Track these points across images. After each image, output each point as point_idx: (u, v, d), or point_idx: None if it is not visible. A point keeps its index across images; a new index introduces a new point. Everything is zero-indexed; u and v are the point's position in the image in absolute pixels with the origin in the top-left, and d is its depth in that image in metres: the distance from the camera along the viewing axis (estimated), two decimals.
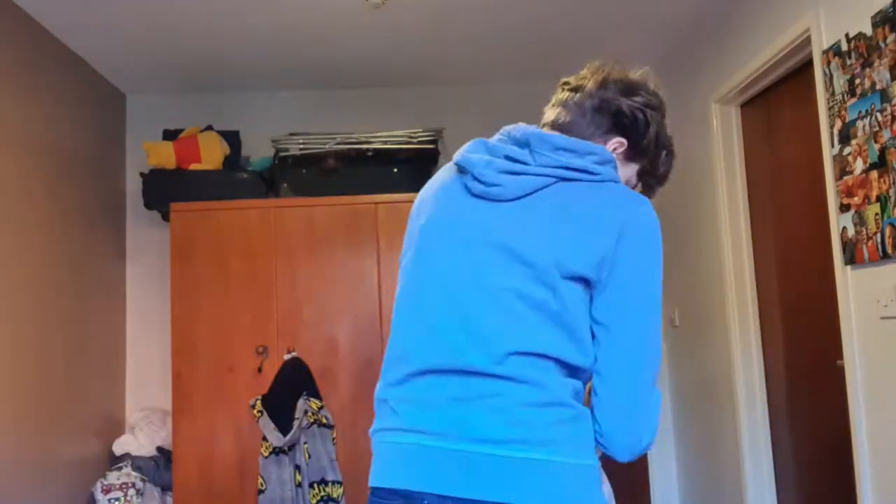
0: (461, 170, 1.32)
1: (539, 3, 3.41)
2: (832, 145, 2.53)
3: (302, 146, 3.84)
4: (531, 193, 1.24)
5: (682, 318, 4.03)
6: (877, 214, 2.29)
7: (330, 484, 3.33)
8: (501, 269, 1.21)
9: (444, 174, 1.37)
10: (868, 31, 2.32)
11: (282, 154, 3.87)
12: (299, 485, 3.30)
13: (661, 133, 1.40)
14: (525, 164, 1.25)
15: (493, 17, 3.53)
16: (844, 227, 2.47)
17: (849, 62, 2.42)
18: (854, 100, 2.40)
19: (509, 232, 1.22)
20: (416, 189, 3.82)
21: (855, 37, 2.38)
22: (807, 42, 2.71)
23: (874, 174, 2.30)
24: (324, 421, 3.38)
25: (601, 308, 1.22)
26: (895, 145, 2.21)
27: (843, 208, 2.47)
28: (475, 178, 1.27)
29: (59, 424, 3.41)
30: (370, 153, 3.85)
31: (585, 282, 1.21)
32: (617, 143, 1.35)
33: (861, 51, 2.35)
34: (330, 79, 4.26)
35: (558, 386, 1.19)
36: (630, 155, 1.37)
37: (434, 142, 3.88)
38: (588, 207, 1.21)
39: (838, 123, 2.49)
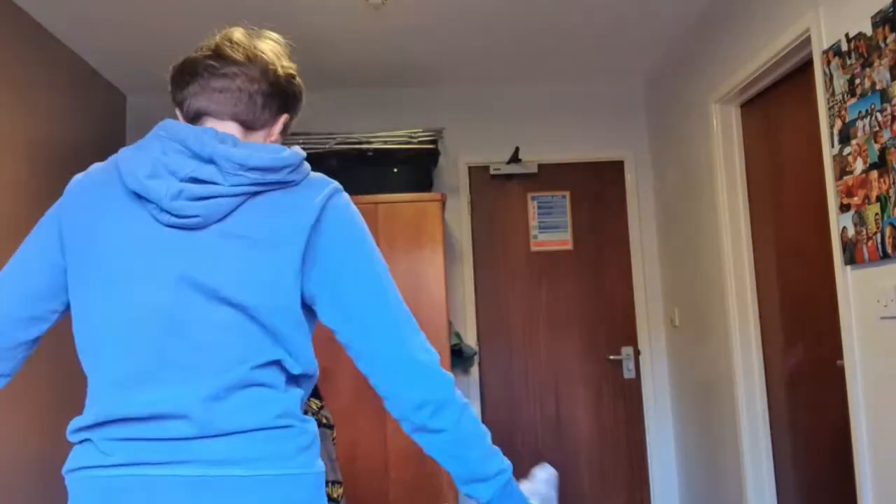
0: (138, 196, 1.16)
1: (539, 4, 3.41)
2: (832, 145, 2.53)
3: (302, 146, 3.84)
4: (225, 217, 1.14)
5: (682, 318, 4.03)
6: (877, 214, 2.29)
7: (330, 484, 3.32)
8: (206, 309, 1.14)
9: (107, 185, 1.20)
10: (868, 31, 2.31)
11: None
12: None
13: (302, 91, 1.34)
14: (216, 184, 1.13)
15: (493, 17, 3.53)
16: (844, 227, 2.47)
17: (849, 62, 2.42)
18: (854, 100, 2.40)
19: (207, 269, 1.13)
20: (416, 189, 3.82)
21: (855, 37, 2.38)
22: (807, 42, 2.71)
23: (874, 174, 2.30)
24: (324, 421, 3.37)
25: (335, 309, 1.20)
26: (895, 145, 2.21)
27: (843, 208, 2.47)
28: (164, 211, 1.13)
29: (59, 424, 3.41)
30: (370, 153, 3.85)
31: (304, 305, 1.20)
32: (285, 120, 1.30)
33: (861, 51, 2.35)
34: (330, 79, 4.26)
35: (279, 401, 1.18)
36: (284, 126, 1.32)
37: (434, 142, 3.88)
38: (279, 219, 1.15)
39: (838, 123, 2.49)
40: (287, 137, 3.86)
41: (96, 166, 1.26)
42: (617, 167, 4.49)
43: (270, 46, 1.28)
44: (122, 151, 1.20)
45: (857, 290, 2.45)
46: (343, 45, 3.79)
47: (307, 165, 1.22)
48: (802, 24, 2.68)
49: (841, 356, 2.64)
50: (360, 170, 3.87)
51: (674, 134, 4.04)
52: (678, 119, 3.96)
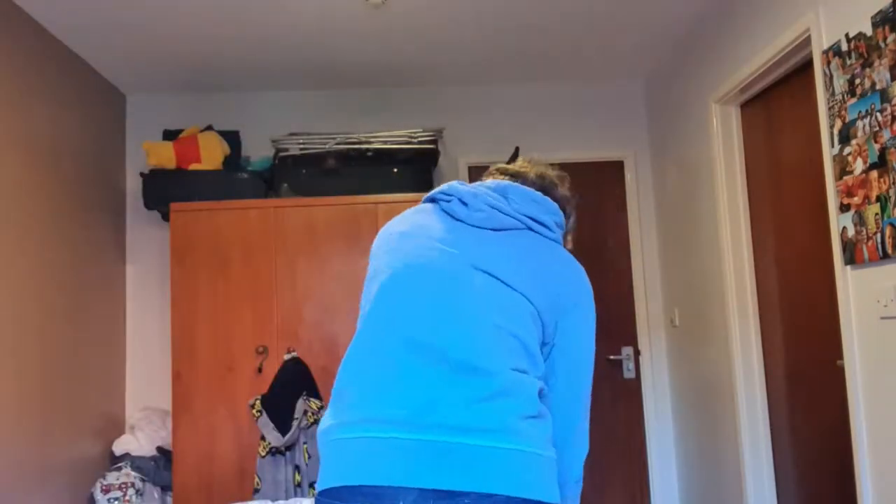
0: (441, 199, 1.48)
1: (539, 4, 3.41)
2: (832, 145, 2.53)
3: (302, 146, 3.84)
4: (507, 230, 1.42)
5: (682, 318, 4.03)
6: (877, 214, 2.29)
7: None
8: (486, 291, 1.36)
9: (415, 213, 1.51)
10: (868, 31, 2.31)
11: (282, 154, 3.87)
12: (299, 485, 3.30)
13: (575, 223, 1.67)
14: (502, 207, 1.43)
15: (493, 17, 3.53)
16: (844, 227, 2.47)
17: (849, 62, 2.42)
18: (854, 100, 2.40)
19: (492, 257, 1.38)
20: (416, 189, 3.82)
21: (855, 37, 2.38)
22: (807, 42, 2.71)
23: (874, 174, 2.30)
24: None
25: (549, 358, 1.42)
26: (895, 145, 2.21)
27: (843, 208, 2.47)
28: (461, 201, 1.44)
29: (59, 424, 3.41)
30: (370, 153, 3.85)
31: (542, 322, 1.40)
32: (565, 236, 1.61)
33: (861, 51, 2.35)
34: (330, 79, 4.26)
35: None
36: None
37: (434, 142, 3.88)
38: (551, 258, 1.42)
39: (838, 123, 2.49)
40: (287, 137, 3.87)
41: None
42: (617, 167, 4.49)
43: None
44: None
45: (857, 290, 2.45)
46: (343, 45, 3.79)
47: (563, 230, 1.57)
48: (802, 24, 2.68)
49: (841, 356, 2.64)
50: (360, 170, 3.87)
51: (674, 134, 4.04)
52: (678, 119, 3.96)
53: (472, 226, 1.42)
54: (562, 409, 1.40)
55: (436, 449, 1.15)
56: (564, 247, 1.60)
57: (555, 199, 1.56)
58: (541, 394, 1.31)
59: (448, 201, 1.46)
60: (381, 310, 1.32)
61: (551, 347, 1.40)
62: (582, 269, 1.48)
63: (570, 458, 1.41)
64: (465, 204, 1.43)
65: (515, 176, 1.56)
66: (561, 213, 1.50)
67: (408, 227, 1.45)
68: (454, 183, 1.50)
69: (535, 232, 1.44)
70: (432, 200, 1.52)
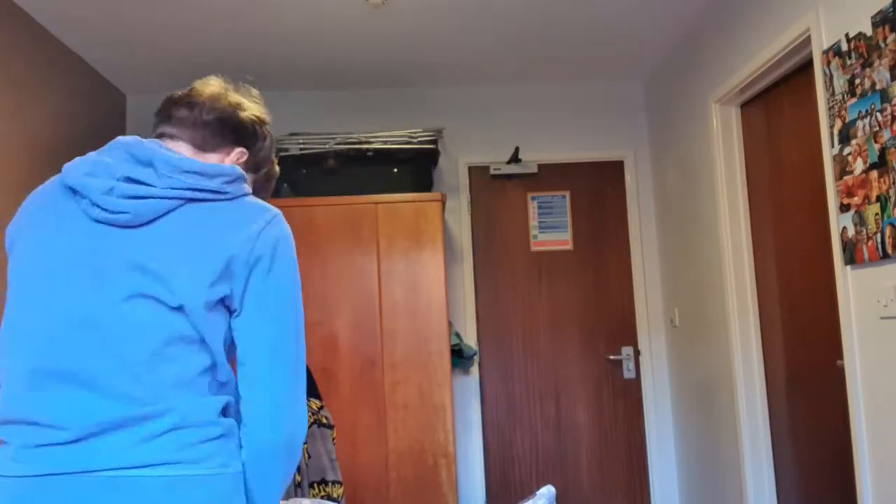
0: (75, 192, 1.24)
1: (539, 4, 3.41)
2: (832, 145, 2.53)
3: (302, 146, 3.84)
4: (160, 217, 1.21)
5: (682, 318, 4.03)
6: (877, 214, 2.29)
7: (330, 484, 3.33)
8: (143, 295, 1.19)
9: (47, 194, 1.28)
10: (868, 31, 2.31)
11: (282, 154, 3.87)
12: (299, 485, 3.29)
13: (272, 144, 1.49)
14: (150, 185, 1.21)
15: (493, 17, 3.53)
16: (844, 227, 2.47)
17: (849, 62, 2.42)
18: (854, 100, 2.40)
19: (146, 256, 1.19)
20: (417, 189, 3.82)
21: (855, 37, 2.38)
22: (807, 42, 2.71)
23: (874, 174, 2.30)
24: (324, 421, 3.37)
25: (246, 322, 1.24)
26: (895, 145, 2.21)
27: (843, 208, 2.47)
28: (95, 205, 1.21)
29: None
30: (370, 153, 3.85)
31: (221, 303, 1.23)
32: (239, 153, 1.40)
33: (861, 51, 2.35)
34: (330, 79, 4.26)
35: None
36: (249, 166, 1.44)
37: (434, 142, 3.88)
38: (216, 227, 1.22)
39: (838, 123, 2.49)
40: (287, 137, 3.87)
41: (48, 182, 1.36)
42: (617, 167, 4.49)
43: (228, 86, 1.44)
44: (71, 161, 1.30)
45: (857, 290, 2.45)
46: (343, 45, 3.79)
47: (246, 187, 1.31)
48: (802, 24, 2.68)
49: (841, 356, 2.64)
50: (360, 170, 3.87)
51: (674, 134, 4.04)
52: (678, 119, 3.96)
53: (129, 227, 1.21)
54: (254, 395, 1.23)
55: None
56: (263, 181, 1.47)
57: (239, 126, 1.38)
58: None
59: (83, 198, 1.23)
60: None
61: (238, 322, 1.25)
62: (264, 210, 1.28)
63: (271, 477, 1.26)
64: (101, 208, 1.20)
65: (190, 106, 1.35)
66: (234, 169, 1.27)
67: (42, 245, 1.23)
68: (88, 164, 1.24)
69: (201, 201, 1.24)
70: (67, 187, 1.26)
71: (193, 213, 1.23)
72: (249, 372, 1.24)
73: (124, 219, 1.20)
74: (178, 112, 1.36)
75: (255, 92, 1.49)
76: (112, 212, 1.20)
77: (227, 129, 1.38)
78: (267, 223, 1.26)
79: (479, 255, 4.42)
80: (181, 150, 1.34)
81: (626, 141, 4.48)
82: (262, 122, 1.44)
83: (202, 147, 1.35)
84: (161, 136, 1.36)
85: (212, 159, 1.36)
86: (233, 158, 1.39)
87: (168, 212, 1.22)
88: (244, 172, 1.36)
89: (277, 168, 1.53)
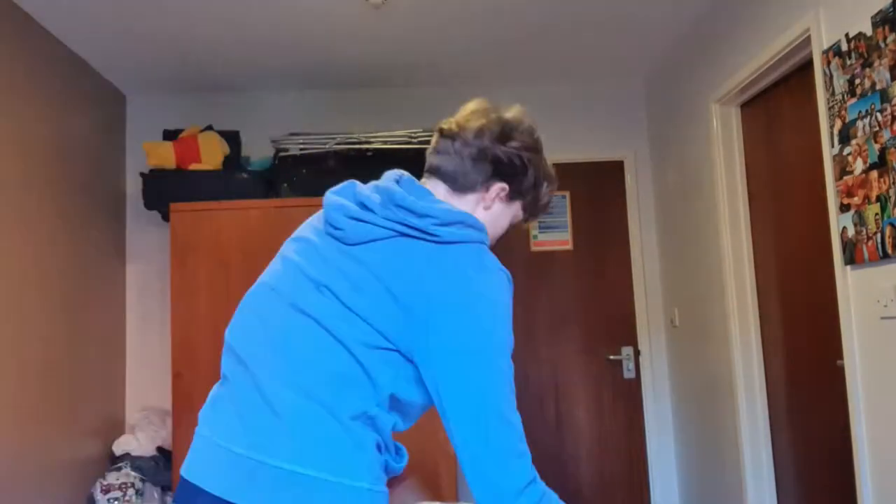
0: (326, 209, 1.37)
1: (539, 4, 3.41)
2: (832, 145, 2.53)
3: (302, 146, 3.84)
4: (368, 242, 1.26)
5: (682, 318, 4.03)
6: (877, 214, 2.29)
7: None
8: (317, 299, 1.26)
9: (312, 218, 1.45)
10: (868, 31, 2.32)
11: (282, 154, 3.87)
12: None
13: (540, 171, 1.43)
14: (373, 212, 1.28)
15: (493, 17, 3.53)
16: (844, 227, 2.47)
17: (849, 62, 2.42)
18: (854, 100, 2.40)
19: (332, 271, 1.27)
20: None
21: (855, 37, 2.38)
22: (807, 42, 2.71)
23: (874, 174, 2.30)
24: None
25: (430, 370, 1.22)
26: (895, 145, 2.21)
27: (843, 208, 2.47)
28: (326, 221, 1.32)
29: (59, 424, 3.41)
30: (370, 153, 3.85)
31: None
32: (499, 189, 1.39)
33: (861, 51, 2.35)
34: (330, 79, 4.26)
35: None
36: (513, 196, 1.41)
37: None
38: (413, 266, 1.22)
39: (838, 123, 2.49)
40: (287, 137, 3.87)
41: None
42: (617, 167, 4.49)
43: (494, 117, 1.41)
44: None
45: (857, 290, 2.45)
46: (343, 45, 3.79)
47: (469, 232, 1.27)
48: (802, 24, 2.68)
49: (841, 356, 2.64)
50: (359, 170, 3.87)
51: (674, 134, 4.04)
52: (678, 119, 3.96)
53: (346, 244, 1.29)
54: (466, 459, 1.18)
55: (240, 462, 1.19)
56: (530, 206, 1.44)
57: (502, 157, 1.36)
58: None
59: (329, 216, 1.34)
60: (233, 323, 1.36)
61: (426, 374, 1.22)
62: (468, 267, 1.23)
63: None
64: (329, 223, 1.31)
65: (452, 138, 1.37)
66: (447, 213, 1.26)
67: (296, 234, 1.42)
68: (346, 187, 1.36)
69: (411, 237, 1.25)
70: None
71: (400, 245, 1.25)
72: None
73: (339, 234, 1.29)
74: (440, 142, 1.40)
75: (518, 110, 1.45)
76: (334, 227, 1.31)
77: (486, 163, 1.37)
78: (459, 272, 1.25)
79: None
80: (437, 190, 1.38)
81: (627, 141, 4.48)
82: (526, 148, 1.39)
83: (455, 186, 1.38)
84: (427, 171, 1.42)
85: (468, 200, 1.38)
86: (492, 195, 1.38)
87: (376, 240, 1.27)
88: (479, 220, 1.32)
89: (547, 194, 1.46)
